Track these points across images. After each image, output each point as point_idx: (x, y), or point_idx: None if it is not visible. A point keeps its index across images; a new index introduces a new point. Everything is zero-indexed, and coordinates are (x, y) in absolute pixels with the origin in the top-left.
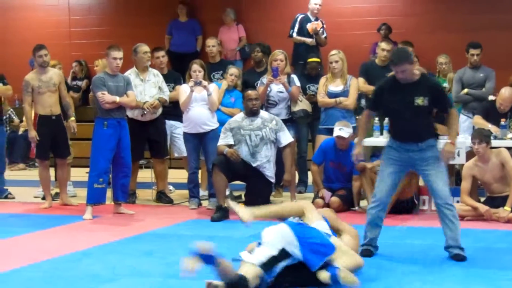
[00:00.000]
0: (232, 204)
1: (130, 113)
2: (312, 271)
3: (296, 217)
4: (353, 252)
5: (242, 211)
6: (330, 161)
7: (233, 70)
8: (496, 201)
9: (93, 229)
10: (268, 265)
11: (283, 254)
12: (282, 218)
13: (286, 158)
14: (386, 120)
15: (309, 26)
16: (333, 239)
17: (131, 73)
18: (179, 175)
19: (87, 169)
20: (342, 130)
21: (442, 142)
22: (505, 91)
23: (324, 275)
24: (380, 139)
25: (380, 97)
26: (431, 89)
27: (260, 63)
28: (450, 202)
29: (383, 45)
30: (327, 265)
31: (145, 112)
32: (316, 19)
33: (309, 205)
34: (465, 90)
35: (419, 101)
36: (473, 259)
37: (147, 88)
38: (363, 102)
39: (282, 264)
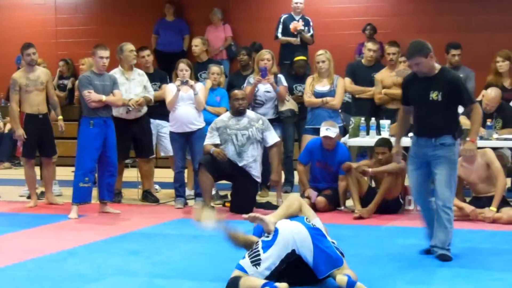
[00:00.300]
0: (256, 215)
1: (115, 111)
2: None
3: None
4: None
5: (268, 219)
6: (316, 161)
7: (214, 69)
8: (482, 201)
9: (79, 228)
10: (272, 276)
11: (292, 255)
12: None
13: (273, 157)
14: (372, 120)
15: (291, 26)
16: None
17: (116, 72)
18: (165, 175)
19: (73, 168)
20: (329, 130)
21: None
22: (491, 92)
23: (341, 278)
24: (366, 139)
25: (406, 90)
26: (448, 84)
27: (246, 67)
28: (449, 205)
29: (370, 45)
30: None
31: (130, 109)
32: (303, 18)
33: (302, 200)
34: None
35: (434, 95)
36: (459, 259)
37: (132, 87)
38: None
39: (285, 263)
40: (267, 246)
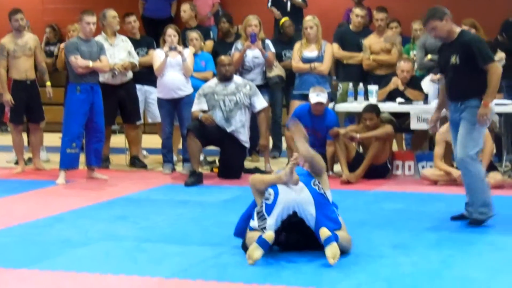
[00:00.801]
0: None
1: (100, 77)
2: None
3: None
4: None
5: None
6: (304, 127)
7: (192, 35)
8: None
9: (66, 194)
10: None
11: (294, 216)
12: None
13: (261, 123)
14: (360, 85)
15: None
16: (340, 218)
17: (99, 39)
18: (153, 141)
19: (60, 134)
20: (319, 96)
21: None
22: None
23: (324, 231)
24: (354, 105)
25: (439, 59)
26: (462, 46)
27: (228, 34)
28: (464, 164)
29: (357, 11)
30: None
31: (116, 74)
32: None
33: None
34: (428, 56)
35: (453, 60)
36: (445, 223)
37: (116, 52)
38: None
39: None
40: (269, 209)
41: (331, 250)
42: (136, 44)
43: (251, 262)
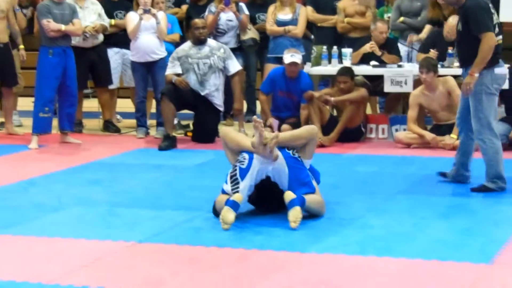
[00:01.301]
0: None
1: (72, 40)
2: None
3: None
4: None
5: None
6: (279, 90)
7: None
8: (442, 129)
9: (39, 158)
10: (250, 200)
11: (267, 181)
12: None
13: (235, 86)
14: (334, 48)
15: None
16: (314, 183)
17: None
18: (126, 105)
19: (33, 99)
20: (293, 56)
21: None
22: (452, 20)
23: (289, 194)
24: (328, 68)
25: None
26: (463, 13)
27: None
28: (480, 137)
29: None
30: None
31: (87, 36)
32: None
33: (315, 139)
34: (401, 19)
35: (459, 26)
36: (418, 186)
37: (86, 15)
38: None
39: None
40: (243, 173)
41: (293, 214)
42: (114, 6)
43: (226, 226)
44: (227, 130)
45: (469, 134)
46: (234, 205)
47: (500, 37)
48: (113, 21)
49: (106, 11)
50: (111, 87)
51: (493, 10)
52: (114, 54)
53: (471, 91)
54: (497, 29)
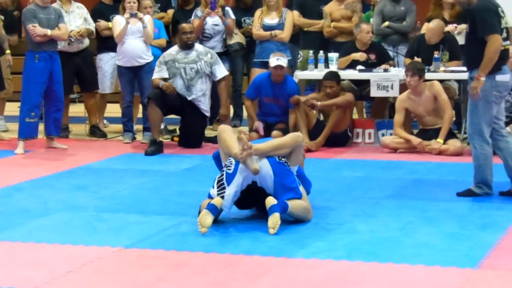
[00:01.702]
0: (248, 161)
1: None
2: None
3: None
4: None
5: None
6: (265, 96)
7: (146, 3)
8: (429, 134)
9: (25, 163)
10: (237, 205)
11: (253, 185)
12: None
13: (221, 91)
14: (321, 53)
15: None
16: (301, 188)
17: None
18: (113, 109)
19: (19, 104)
20: (279, 60)
21: None
22: (432, 24)
23: (269, 200)
24: (315, 72)
25: None
26: (470, 14)
27: (187, 1)
28: (472, 142)
29: None
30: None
31: (72, 41)
32: None
33: (301, 145)
34: (386, 23)
35: (467, 28)
36: (404, 191)
37: (72, 19)
38: None
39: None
40: (229, 178)
41: (272, 220)
42: (110, 10)
43: (203, 230)
44: (223, 129)
45: (495, 136)
46: (213, 209)
47: (508, 42)
48: (110, 24)
49: (101, 15)
50: (105, 92)
51: (502, 14)
52: (110, 59)
53: (479, 96)
54: (504, 34)
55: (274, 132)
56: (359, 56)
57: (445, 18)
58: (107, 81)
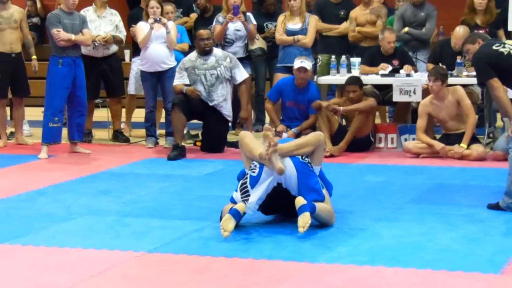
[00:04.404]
0: (274, 158)
1: (83, 49)
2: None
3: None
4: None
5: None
6: (287, 100)
7: (168, 8)
8: (451, 138)
9: (49, 168)
10: (261, 209)
11: (278, 188)
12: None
13: (242, 94)
14: (343, 58)
15: None
16: (324, 191)
17: (88, 9)
18: (135, 114)
19: (43, 109)
20: (303, 62)
21: None
22: (459, 30)
23: (299, 200)
24: (337, 77)
25: None
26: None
27: (205, 10)
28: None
29: None
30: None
31: (96, 45)
32: None
33: (322, 144)
34: (406, 29)
35: None
36: (427, 196)
37: (102, 24)
38: None
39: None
40: (254, 181)
41: (302, 219)
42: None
43: (226, 234)
44: (244, 134)
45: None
46: (235, 214)
47: None
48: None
49: (136, 19)
50: (130, 92)
51: (496, 46)
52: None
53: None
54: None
55: (290, 132)
56: (383, 67)
57: (477, 23)
58: (135, 82)
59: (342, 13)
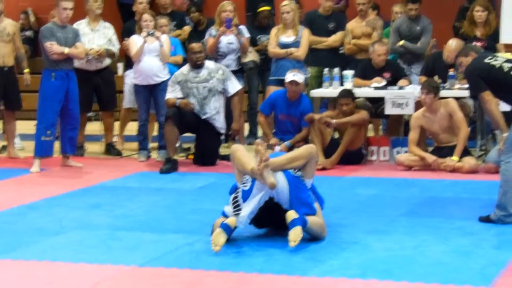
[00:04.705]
0: (265, 173)
1: (76, 62)
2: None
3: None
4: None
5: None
6: (280, 113)
7: (161, 21)
8: (444, 151)
9: (40, 182)
10: (253, 222)
11: (270, 201)
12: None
13: (234, 106)
14: (335, 70)
15: None
16: (316, 204)
17: (82, 22)
18: (127, 127)
19: (35, 122)
20: (295, 75)
21: None
22: (451, 43)
23: (291, 213)
24: (330, 90)
25: None
26: None
27: (199, 23)
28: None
29: None
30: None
31: (89, 58)
32: None
33: (314, 157)
34: (401, 42)
35: None
36: (419, 209)
37: (95, 38)
38: None
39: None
40: (246, 195)
41: (294, 233)
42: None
43: (216, 248)
44: (237, 148)
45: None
46: (226, 229)
47: None
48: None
49: (130, 33)
50: (125, 106)
51: (488, 59)
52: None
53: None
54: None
55: (282, 145)
56: (378, 81)
57: (476, 35)
58: (129, 96)
59: (331, 26)
